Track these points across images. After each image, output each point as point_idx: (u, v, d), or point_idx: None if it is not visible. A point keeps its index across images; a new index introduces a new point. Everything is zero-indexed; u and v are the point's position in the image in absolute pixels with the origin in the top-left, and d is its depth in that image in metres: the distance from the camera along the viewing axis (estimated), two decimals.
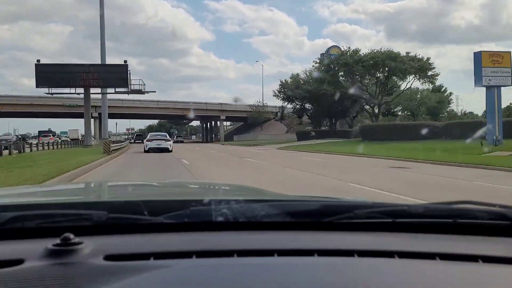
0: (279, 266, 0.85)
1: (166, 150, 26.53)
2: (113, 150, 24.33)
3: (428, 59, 43.43)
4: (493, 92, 24.83)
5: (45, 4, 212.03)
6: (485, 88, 25.08)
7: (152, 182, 2.96)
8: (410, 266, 0.88)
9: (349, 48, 46.51)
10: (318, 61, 50.83)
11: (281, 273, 0.81)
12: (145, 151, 26.75)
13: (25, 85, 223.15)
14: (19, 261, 0.81)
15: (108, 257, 0.84)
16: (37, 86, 40.56)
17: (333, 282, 0.79)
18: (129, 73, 41.48)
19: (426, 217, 1.07)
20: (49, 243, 0.85)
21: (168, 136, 30.04)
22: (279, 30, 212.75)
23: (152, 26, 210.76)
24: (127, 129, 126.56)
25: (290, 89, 53.69)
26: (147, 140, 28.59)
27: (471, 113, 63.44)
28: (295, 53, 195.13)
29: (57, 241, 0.85)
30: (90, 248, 0.85)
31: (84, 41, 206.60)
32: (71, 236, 0.86)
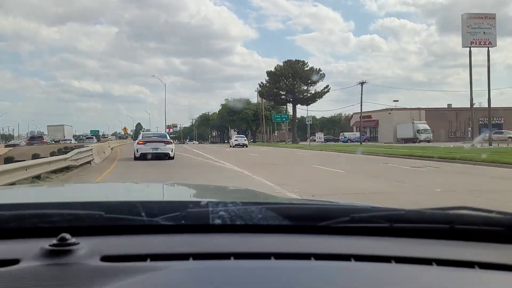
0: (276, 269, 0.85)
1: (165, 156, 19.81)
2: None
3: None
4: None
5: (92, 4, 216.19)
6: None
7: (150, 183, 2.96)
8: (406, 271, 0.88)
9: None
10: None
11: (277, 276, 0.81)
12: (136, 158, 19.76)
13: (75, 86, 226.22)
14: (15, 261, 0.81)
15: (104, 258, 0.84)
16: None
17: (330, 286, 0.79)
18: None
19: (423, 223, 1.07)
20: (46, 243, 0.85)
21: (168, 137, 22.38)
22: (324, 26, 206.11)
23: (195, 25, 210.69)
24: (168, 127, 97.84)
25: None
26: (138, 143, 20.54)
27: None
28: (340, 50, 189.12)
29: (54, 241, 0.85)
30: (87, 248, 0.85)
31: (129, 42, 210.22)
32: (68, 236, 0.85)
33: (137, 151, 19.97)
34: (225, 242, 0.97)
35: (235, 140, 48.10)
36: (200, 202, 1.13)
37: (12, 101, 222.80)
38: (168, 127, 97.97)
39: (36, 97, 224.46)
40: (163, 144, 20.24)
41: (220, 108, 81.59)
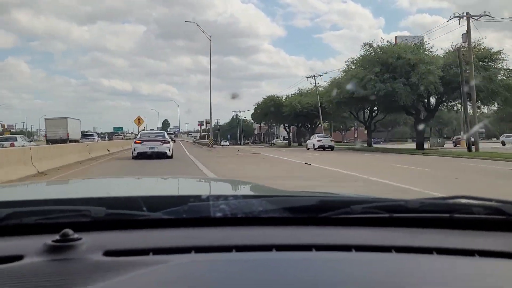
0: (277, 261, 0.86)
1: (163, 155, 19.58)
2: None
3: None
4: None
5: (120, 2, 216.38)
6: None
7: (151, 177, 2.97)
8: (407, 260, 0.88)
9: None
10: None
11: (279, 268, 0.82)
12: (134, 157, 19.68)
13: (104, 85, 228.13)
14: (19, 257, 0.82)
15: (107, 253, 0.85)
16: None
17: (331, 276, 0.80)
18: None
19: (423, 212, 1.08)
20: (48, 239, 0.85)
21: (166, 136, 21.79)
22: (352, 23, 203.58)
23: (223, 23, 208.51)
24: (199, 123, 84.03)
25: None
26: (135, 142, 20.52)
27: None
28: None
29: (56, 237, 0.85)
30: (89, 244, 0.86)
31: (156, 40, 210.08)
32: (70, 232, 0.86)
33: (134, 150, 19.97)
34: (226, 235, 0.98)
35: (318, 140, 34.74)
36: (201, 195, 1.13)
37: (44, 100, 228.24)
38: (199, 123, 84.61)
39: (66, 95, 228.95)
40: (160, 143, 20.10)
41: (345, 68, 36.39)
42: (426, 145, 35.05)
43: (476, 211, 1.07)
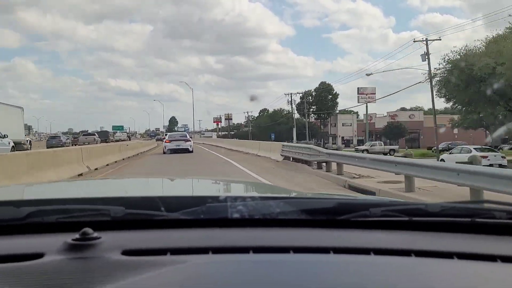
0: (295, 263, 0.85)
1: (186, 150, 25.50)
2: None
3: None
4: None
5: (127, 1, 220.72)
6: None
7: (169, 178, 3.00)
8: (427, 265, 0.87)
9: None
10: None
11: (296, 270, 0.82)
12: (164, 153, 25.92)
13: (111, 85, 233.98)
14: (40, 255, 0.83)
15: (125, 252, 0.86)
16: None
17: (349, 279, 0.79)
18: None
19: (443, 216, 1.06)
20: (69, 238, 0.87)
21: (188, 136, 28.97)
22: (362, 22, 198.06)
23: (230, 22, 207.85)
24: (217, 120, 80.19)
25: None
26: (165, 141, 27.68)
27: None
28: (378, 48, 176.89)
29: (76, 235, 0.86)
30: (108, 243, 0.87)
31: (164, 40, 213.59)
32: (90, 231, 0.87)
33: (165, 148, 26.30)
34: (243, 236, 0.98)
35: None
36: (218, 196, 1.14)
37: (52, 99, 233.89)
38: (215, 120, 79.78)
39: (74, 95, 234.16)
40: (184, 141, 26.63)
41: None
42: None
43: (499, 216, 1.05)
